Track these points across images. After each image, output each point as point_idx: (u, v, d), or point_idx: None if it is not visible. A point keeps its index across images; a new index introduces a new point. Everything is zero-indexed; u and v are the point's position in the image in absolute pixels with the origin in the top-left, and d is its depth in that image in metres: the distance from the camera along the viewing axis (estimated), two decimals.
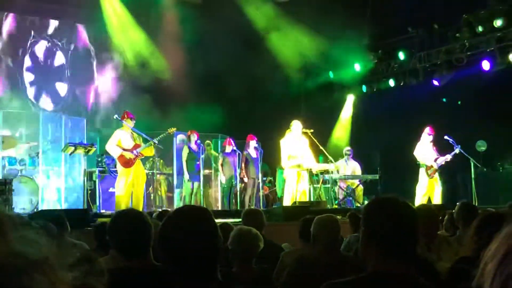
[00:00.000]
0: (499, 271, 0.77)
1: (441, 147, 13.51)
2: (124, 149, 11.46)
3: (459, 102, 16.41)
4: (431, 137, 13.34)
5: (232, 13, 15.85)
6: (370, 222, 2.42)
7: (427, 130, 13.36)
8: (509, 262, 0.77)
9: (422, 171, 13.32)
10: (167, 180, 15.66)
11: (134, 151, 11.49)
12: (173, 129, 12.57)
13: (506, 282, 0.76)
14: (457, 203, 6.29)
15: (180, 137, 14.54)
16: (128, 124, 11.71)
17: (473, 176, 13.77)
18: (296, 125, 12.99)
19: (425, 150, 13.29)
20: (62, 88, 17.19)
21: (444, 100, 16.75)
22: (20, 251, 0.98)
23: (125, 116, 11.86)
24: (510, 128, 15.11)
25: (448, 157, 13.23)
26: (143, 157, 11.80)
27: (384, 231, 2.35)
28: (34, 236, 1.04)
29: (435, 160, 13.23)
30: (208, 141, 15.07)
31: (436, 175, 13.28)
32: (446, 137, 13.38)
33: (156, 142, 11.77)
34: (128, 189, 11.40)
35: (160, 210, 9.54)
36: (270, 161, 15.92)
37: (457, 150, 13.26)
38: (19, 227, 1.05)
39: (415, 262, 2.43)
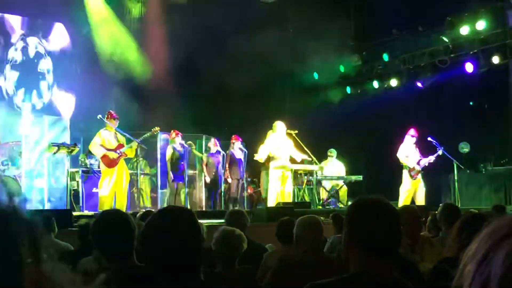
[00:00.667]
0: (479, 272, 0.78)
1: (425, 149, 13.57)
2: (107, 149, 11.42)
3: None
4: (414, 139, 13.37)
5: (215, 13, 15.81)
6: (353, 222, 2.42)
7: (411, 131, 13.39)
8: (488, 263, 0.77)
9: (405, 172, 13.36)
10: (151, 181, 15.61)
11: (118, 151, 11.45)
12: (157, 129, 12.54)
13: (485, 283, 0.76)
14: (440, 204, 6.34)
15: (164, 137, 14.49)
16: (112, 124, 11.66)
17: (456, 177, 13.86)
18: (280, 126, 13.03)
19: (408, 152, 13.33)
20: (45, 87, 17.07)
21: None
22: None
23: (109, 116, 11.81)
24: (493, 129, 15.24)
25: (431, 158, 13.27)
26: (126, 157, 11.76)
27: (367, 231, 2.36)
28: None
29: (418, 161, 13.28)
30: (190, 142, 15.04)
31: (419, 176, 13.33)
32: (429, 138, 13.45)
33: (139, 141, 11.73)
34: (111, 189, 11.37)
35: (144, 210, 9.51)
36: (255, 162, 15.92)
37: (440, 152, 13.32)
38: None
39: (398, 263, 2.44)
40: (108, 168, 11.42)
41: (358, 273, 2.36)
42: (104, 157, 11.42)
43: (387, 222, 2.38)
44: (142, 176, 14.78)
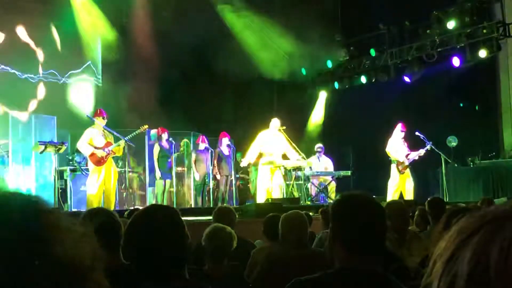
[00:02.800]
0: (446, 271, 0.77)
1: (413, 143, 13.60)
2: (95, 147, 11.36)
3: (461, 105, 16.49)
4: (403, 133, 13.40)
5: (201, 9, 15.78)
6: (337, 218, 2.43)
7: (399, 126, 13.41)
8: (455, 262, 0.77)
9: (393, 167, 13.39)
10: (139, 178, 15.56)
11: (106, 149, 11.39)
12: (145, 127, 12.49)
13: (452, 282, 0.76)
14: (428, 199, 6.37)
15: (152, 134, 14.44)
16: (100, 122, 11.60)
17: (444, 171, 13.91)
18: (273, 123, 13.06)
19: (397, 146, 13.36)
20: (33, 85, 16.93)
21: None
22: None
23: (97, 114, 11.75)
24: (480, 123, 15.31)
25: (421, 152, 13.31)
26: (114, 155, 11.70)
27: (350, 228, 2.36)
28: None
29: (407, 156, 13.31)
30: (185, 140, 15.06)
31: (408, 170, 13.36)
32: (417, 133, 13.48)
33: (127, 139, 11.68)
34: (99, 188, 11.31)
35: (131, 208, 9.50)
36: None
37: (428, 146, 13.36)
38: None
39: (382, 259, 2.44)
40: (96, 167, 11.35)
41: (342, 269, 2.36)
42: (92, 155, 11.36)
43: (371, 218, 2.38)
44: (130, 174, 14.75)
